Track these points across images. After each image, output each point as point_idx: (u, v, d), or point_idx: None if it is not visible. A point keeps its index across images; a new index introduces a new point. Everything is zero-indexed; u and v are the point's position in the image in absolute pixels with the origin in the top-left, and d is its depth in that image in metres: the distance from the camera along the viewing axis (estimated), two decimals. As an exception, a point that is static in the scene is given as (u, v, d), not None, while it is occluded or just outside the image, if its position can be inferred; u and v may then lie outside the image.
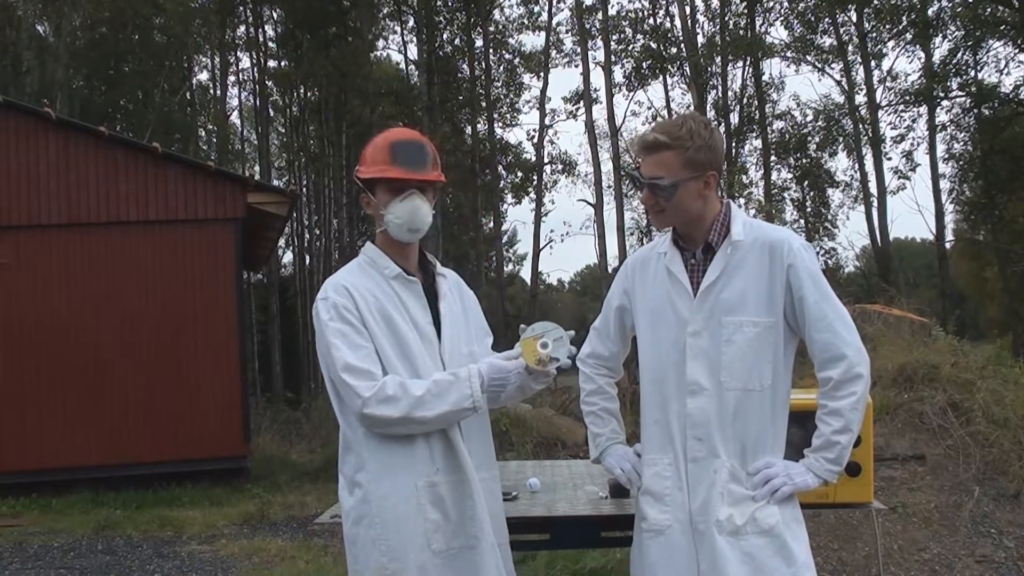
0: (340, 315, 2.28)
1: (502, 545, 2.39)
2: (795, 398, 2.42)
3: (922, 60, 24.31)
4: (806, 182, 27.12)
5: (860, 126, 25.17)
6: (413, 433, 2.26)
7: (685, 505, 2.21)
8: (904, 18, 23.58)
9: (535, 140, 28.58)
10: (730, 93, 26.02)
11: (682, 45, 25.92)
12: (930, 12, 23.11)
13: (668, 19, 27.13)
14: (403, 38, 29.18)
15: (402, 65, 31.96)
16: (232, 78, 29.73)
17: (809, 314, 2.20)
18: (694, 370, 2.22)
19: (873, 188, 25.11)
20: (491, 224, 29.71)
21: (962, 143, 25.01)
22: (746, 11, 25.89)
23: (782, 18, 26.59)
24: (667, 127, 2.25)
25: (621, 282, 2.47)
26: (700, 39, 26.22)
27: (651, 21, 27.04)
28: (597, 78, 35.04)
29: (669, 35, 26.72)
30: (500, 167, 29.46)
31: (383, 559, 2.24)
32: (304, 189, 27.34)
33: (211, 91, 30.85)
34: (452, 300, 2.48)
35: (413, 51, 28.58)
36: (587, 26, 26.69)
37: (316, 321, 2.33)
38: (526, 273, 32.94)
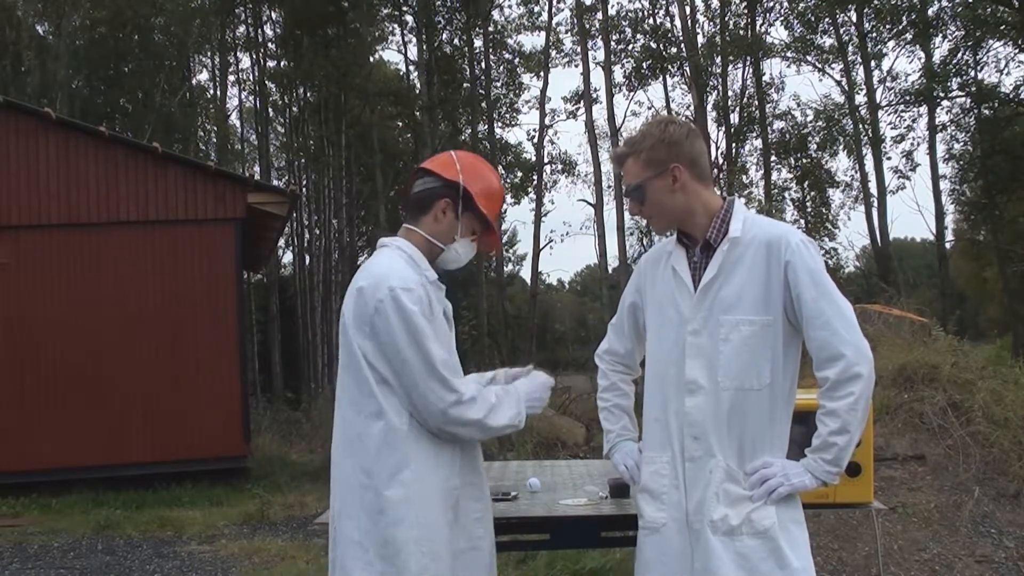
0: (423, 309, 2.26)
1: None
2: (800, 398, 2.41)
3: (922, 60, 24.32)
4: (806, 182, 27.13)
5: (860, 126, 25.17)
6: (467, 437, 2.29)
7: (681, 504, 2.21)
8: (904, 18, 23.58)
9: (535, 140, 28.62)
10: (730, 93, 26.03)
11: (682, 45, 25.92)
12: (930, 12, 23.11)
13: (668, 19, 27.17)
14: (403, 38, 29.22)
15: (401, 65, 32.02)
16: (232, 78, 29.77)
17: (806, 312, 2.18)
18: (692, 369, 2.22)
19: (873, 188, 25.16)
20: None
21: (962, 143, 25.03)
22: (746, 11, 25.90)
23: (782, 18, 26.61)
24: (627, 138, 2.39)
25: (635, 279, 2.50)
26: (700, 39, 26.24)
27: (651, 21, 27.07)
28: (597, 78, 35.10)
29: (669, 35, 26.74)
30: (500, 167, 29.46)
31: (425, 560, 2.22)
32: (304, 189, 27.32)
33: (211, 91, 30.88)
34: None
35: (413, 51, 28.61)
36: (587, 26, 26.70)
37: (396, 312, 2.22)
38: (526, 273, 32.97)
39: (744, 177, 26.44)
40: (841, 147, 26.46)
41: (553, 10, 28.55)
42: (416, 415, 2.25)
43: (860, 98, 25.61)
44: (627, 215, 26.26)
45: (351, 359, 2.27)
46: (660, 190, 2.27)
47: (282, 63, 27.87)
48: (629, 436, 2.52)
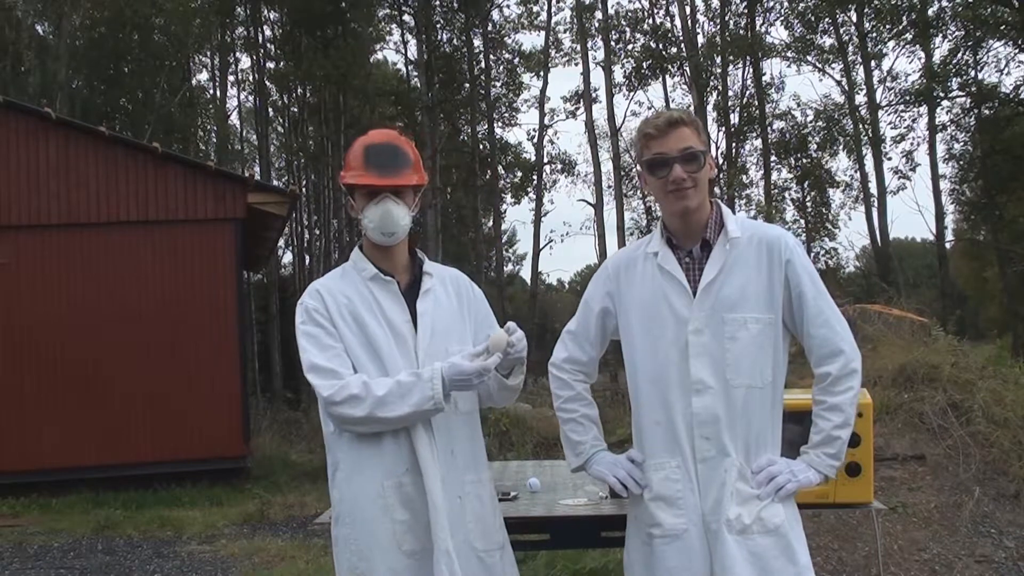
0: (311, 318, 2.35)
1: (488, 551, 2.35)
2: (798, 398, 2.42)
3: (922, 60, 24.34)
4: (806, 182, 27.13)
5: (860, 126, 25.18)
6: (379, 431, 2.29)
7: (698, 507, 2.20)
8: (904, 18, 23.59)
9: (535, 140, 28.63)
10: (730, 93, 26.04)
11: (682, 45, 25.93)
12: (930, 12, 23.12)
13: (668, 19, 27.18)
14: (403, 38, 29.22)
15: (400, 66, 32.02)
16: (231, 79, 29.78)
17: (808, 310, 2.22)
18: (698, 368, 2.21)
19: (873, 188, 25.18)
20: (491, 224, 29.71)
21: (962, 143, 25.04)
22: (746, 11, 25.90)
23: (782, 18, 26.63)
24: (676, 109, 2.38)
25: (603, 285, 2.43)
26: (700, 39, 26.25)
27: (650, 21, 27.08)
28: (597, 78, 35.10)
29: (669, 35, 26.74)
30: (500, 167, 29.46)
31: (353, 559, 2.28)
32: (304, 189, 27.33)
33: (211, 91, 30.89)
34: (439, 297, 2.45)
35: (413, 51, 28.62)
36: (586, 25, 26.70)
37: (296, 326, 2.41)
38: (526, 273, 32.99)
39: (744, 177, 26.46)
40: (841, 147, 26.49)
41: (552, 9, 28.58)
42: None
43: (860, 98, 25.66)
44: (627, 215, 26.31)
45: None
46: (708, 168, 2.29)
47: (282, 64, 27.88)
48: (602, 446, 2.44)
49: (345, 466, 2.33)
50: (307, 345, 2.33)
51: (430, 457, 2.28)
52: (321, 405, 2.35)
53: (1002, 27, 21.76)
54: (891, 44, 25.11)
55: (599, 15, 26.53)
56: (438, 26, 27.57)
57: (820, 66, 26.73)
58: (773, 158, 26.35)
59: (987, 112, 23.70)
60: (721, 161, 25.15)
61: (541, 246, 28.24)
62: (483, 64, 28.06)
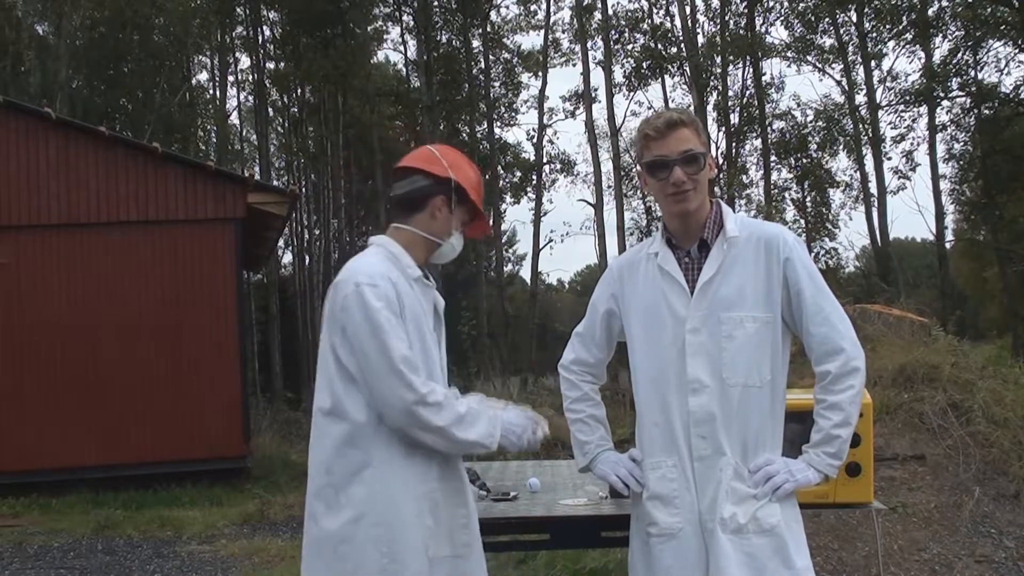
0: (389, 305, 2.20)
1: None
2: (798, 397, 2.42)
3: (922, 60, 24.35)
4: (806, 182, 27.14)
5: (860, 126, 25.19)
6: (433, 446, 2.23)
7: (694, 506, 2.20)
8: (904, 18, 23.62)
9: (534, 140, 28.64)
10: (730, 93, 26.04)
11: (682, 45, 25.93)
12: (930, 12, 23.14)
13: (668, 19, 27.19)
14: (403, 38, 29.23)
15: (400, 66, 32.04)
16: (231, 79, 29.79)
17: (807, 308, 2.21)
18: (695, 368, 2.21)
19: (873, 188, 25.19)
20: (491, 224, 29.70)
21: (962, 143, 25.05)
22: (746, 11, 25.91)
23: (782, 18, 26.65)
24: (676, 109, 2.43)
25: (607, 286, 2.45)
26: (700, 39, 26.26)
27: (650, 21, 27.09)
28: (597, 77, 35.12)
29: (669, 35, 26.75)
30: (499, 167, 29.48)
31: (383, 560, 2.20)
32: (303, 189, 27.34)
33: (211, 91, 30.90)
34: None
35: (413, 51, 28.63)
36: (586, 25, 26.71)
37: (359, 307, 2.19)
38: (526, 273, 33.00)
39: (744, 177, 26.47)
40: (841, 147, 26.50)
41: (551, 9, 28.60)
42: (381, 414, 2.21)
43: (860, 98, 25.68)
44: (627, 215, 26.30)
45: (323, 355, 2.27)
46: (708, 170, 2.29)
47: (281, 64, 27.89)
48: (608, 446, 2.46)
49: (379, 464, 2.21)
50: (393, 333, 2.18)
51: (460, 464, 2.33)
52: (390, 398, 2.18)
53: (1002, 27, 21.78)
54: (891, 44, 25.18)
55: (598, 15, 26.54)
56: (437, 26, 27.59)
57: (820, 66, 26.78)
58: (773, 158, 26.36)
59: (987, 112, 23.71)
60: (721, 161, 25.15)
61: (541, 246, 28.32)
62: (482, 64, 28.08)
